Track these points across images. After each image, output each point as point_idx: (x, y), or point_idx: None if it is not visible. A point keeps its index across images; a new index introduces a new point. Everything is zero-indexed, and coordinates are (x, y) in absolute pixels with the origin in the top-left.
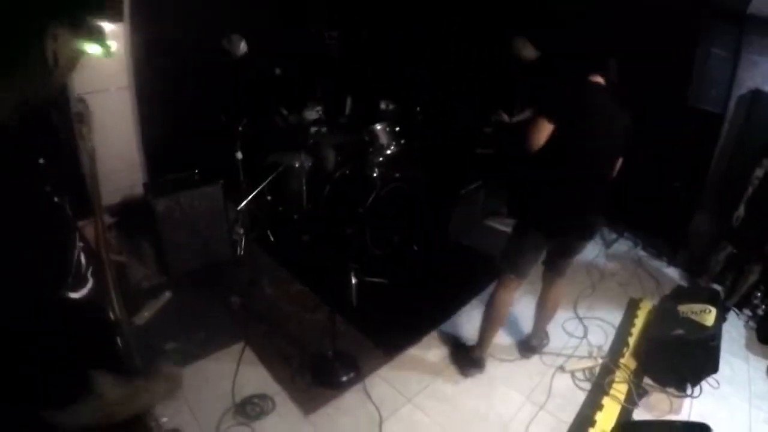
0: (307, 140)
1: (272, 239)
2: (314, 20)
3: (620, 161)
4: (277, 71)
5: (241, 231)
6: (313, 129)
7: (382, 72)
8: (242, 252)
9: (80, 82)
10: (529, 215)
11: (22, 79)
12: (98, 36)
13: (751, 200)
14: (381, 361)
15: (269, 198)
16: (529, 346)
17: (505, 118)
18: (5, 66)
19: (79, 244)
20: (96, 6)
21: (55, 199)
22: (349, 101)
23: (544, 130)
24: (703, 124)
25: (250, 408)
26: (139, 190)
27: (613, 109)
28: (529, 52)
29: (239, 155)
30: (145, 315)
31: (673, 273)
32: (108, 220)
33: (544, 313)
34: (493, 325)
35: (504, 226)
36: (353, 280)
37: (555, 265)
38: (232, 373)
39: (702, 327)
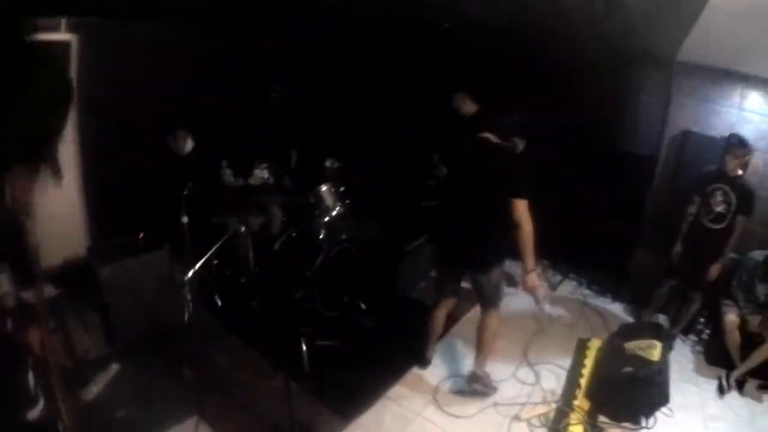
0: (253, 202)
1: (220, 304)
2: (258, 74)
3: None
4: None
5: (189, 297)
6: (259, 188)
7: (326, 128)
8: (190, 318)
9: None
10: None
11: None
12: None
13: (686, 235)
14: (338, 428)
15: (216, 262)
16: (473, 375)
17: (443, 171)
18: None
19: (29, 361)
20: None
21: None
22: (293, 155)
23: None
24: (638, 165)
25: None
26: (81, 250)
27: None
28: (469, 106)
29: (185, 219)
30: (93, 390)
31: (618, 309)
32: (50, 324)
33: (480, 338)
34: (429, 334)
35: None
36: (304, 347)
37: (477, 293)
38: None
39: (649, 362)
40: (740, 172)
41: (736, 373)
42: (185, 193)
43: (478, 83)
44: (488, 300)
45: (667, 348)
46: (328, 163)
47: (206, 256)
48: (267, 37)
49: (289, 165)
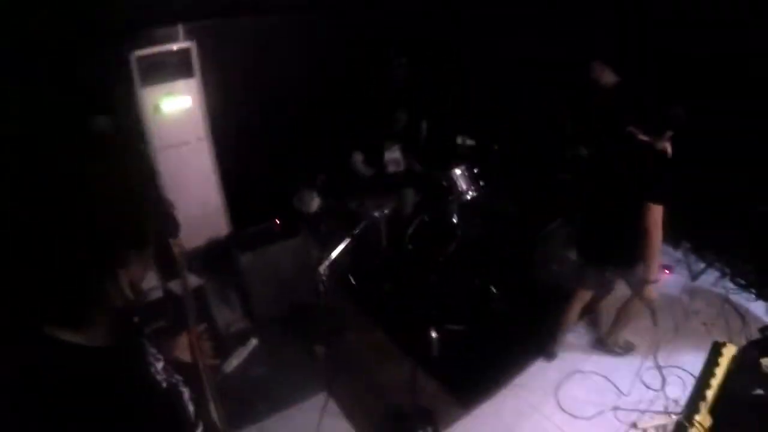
0: (385, 186)
1: (354, 283)
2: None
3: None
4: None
5: (324, 278)
6: (391, 168)
7: (457, 103)
8: (324, 300)
9: (161, 138)
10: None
11: (107, 315)
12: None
13: None
14: (457, 415)
15: (350, 245)
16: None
17: (584, 152)
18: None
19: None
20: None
21: (164, 385)
22: (424, 126)
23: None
24: None
25: None
26: (223, 232)
27: None
28: (608, 77)
29: (316, 203)
30: (233, 363)
31: (761, 309)
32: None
33: (619, 314)
34: (560, 326)
35: None
36: (434, 335)
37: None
38: (314, 425)
39: None
40: None
41: None
42: (317, 183)
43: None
44: (635, 289)
45: None
46: (459, 140)
47: (343, 245)
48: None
49: (420, 142)
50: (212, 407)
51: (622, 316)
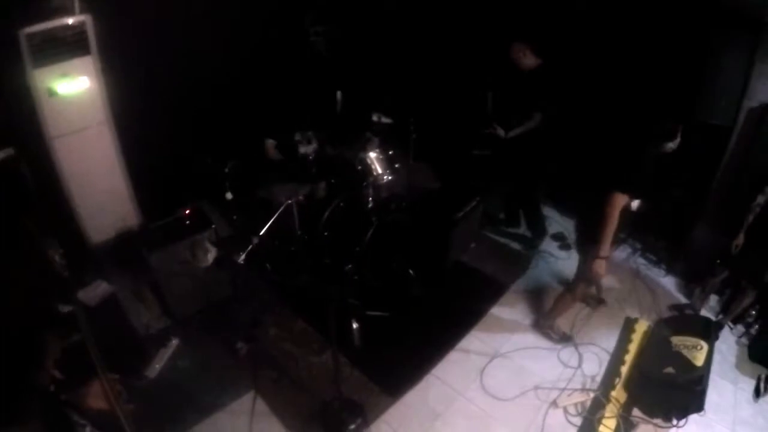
0: (296, 171)
1: (269, 269)
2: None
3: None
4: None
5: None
6: (302, 150)
7: (375, 78)
8: (241, 293)
9: (57, 124)
10: None
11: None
12: None
13: (751, 228)
14: (385, 405)
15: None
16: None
17: (501, 132)
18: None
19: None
20: None
21: None
22: (339, 97)
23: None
24: (710, 135)
25: None
26: (132, 221)
27: None
28: (529, 59)
29: (229, 195)
30: (156, 367)
31: (670, 283)
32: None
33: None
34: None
35: (502, 237)
36: (354, 325)
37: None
38: (246, 426)
39: (691, 367)
40: None
41: None
42: (226, 170)
43: (538, 31)
44: (586, 266)
45: (713, 346)
46: (374, 118)
47: (260, 234)
48: None
49: (333, 119)
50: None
51: (559, 303)
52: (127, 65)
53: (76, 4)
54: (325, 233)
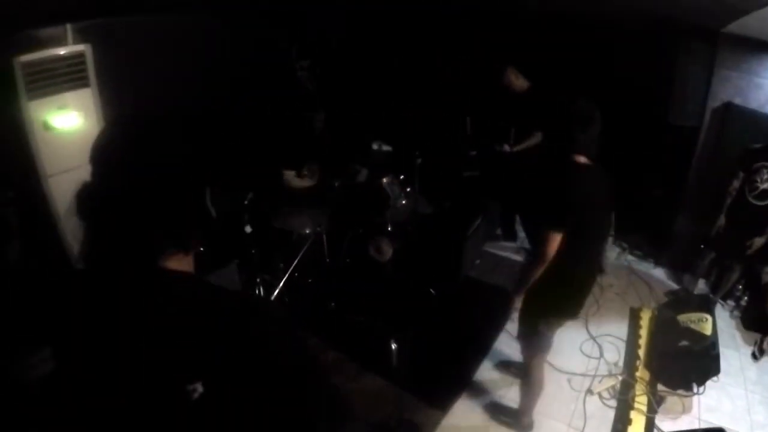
0: (313, 203)
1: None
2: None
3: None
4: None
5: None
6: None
7: (364, 108)
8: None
9: (52, 161)
10: None
11: None
12: None
13: (729, 210)
14: (437, 419)
15: (282, 265)
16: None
17: (507, 148)
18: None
19: None
20: None
21: None
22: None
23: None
24: (682, 135)
25: None
26: None
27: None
28: (521, 82)
29: (248, 229)
30: None
31: (661, 274)
32: None
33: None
34: None
35: (501, 250)
36: (393, 345)
37: None
38: None
39: (702, 336)
40: None
41: None
42: (245, 203)
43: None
44: None
45: (715, 316)
46: (375, 147)
47: (289, 271)
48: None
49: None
50: None
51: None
52: (129, 99)
53: (69, 35)
54: (348, 261)
